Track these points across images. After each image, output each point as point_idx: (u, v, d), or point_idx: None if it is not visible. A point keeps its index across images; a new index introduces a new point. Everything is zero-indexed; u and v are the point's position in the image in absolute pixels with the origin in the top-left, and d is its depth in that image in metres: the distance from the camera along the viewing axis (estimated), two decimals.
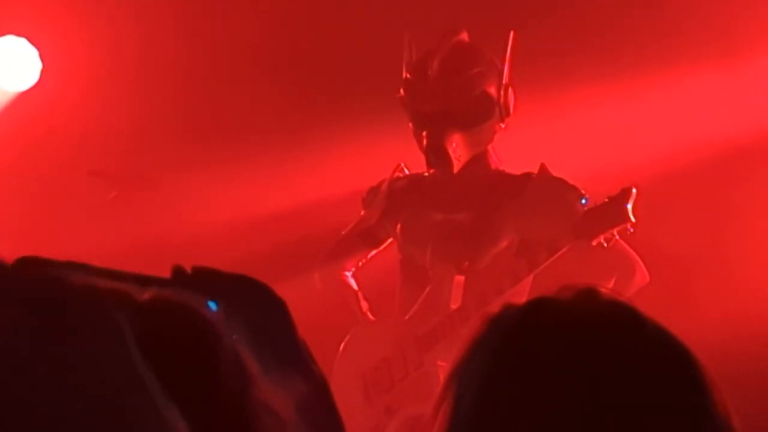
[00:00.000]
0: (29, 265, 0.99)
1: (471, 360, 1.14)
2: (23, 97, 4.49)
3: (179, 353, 0.92)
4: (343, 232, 3.73)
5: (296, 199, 4.42)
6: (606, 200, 3.36)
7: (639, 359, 1.11)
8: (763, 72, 4.17)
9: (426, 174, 3.59)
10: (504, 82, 3.50)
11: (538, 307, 1.15)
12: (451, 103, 3.44)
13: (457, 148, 3.46)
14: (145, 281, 1.02)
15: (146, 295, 0.94)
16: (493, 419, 1.11)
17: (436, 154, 3.45)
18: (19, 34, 4.42)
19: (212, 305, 1.03)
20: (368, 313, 3.61)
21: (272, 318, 1.05)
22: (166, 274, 1.06)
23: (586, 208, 3.38)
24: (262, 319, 1.04)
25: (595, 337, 1.12)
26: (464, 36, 3.56)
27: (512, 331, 1.14)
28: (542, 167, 3.49)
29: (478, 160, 3.53)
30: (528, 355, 1.12)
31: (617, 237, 3.37)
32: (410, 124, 3.53)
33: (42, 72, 4.44)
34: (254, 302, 1.05)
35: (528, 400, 1.10)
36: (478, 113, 3.48)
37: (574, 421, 1.08)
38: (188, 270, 1.04)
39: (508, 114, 3.52)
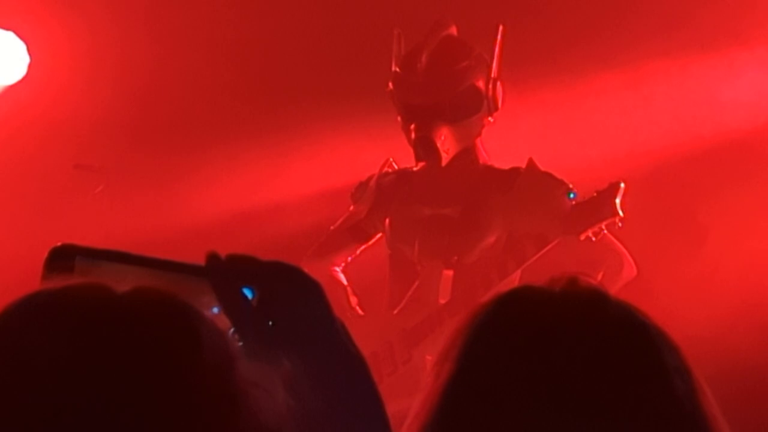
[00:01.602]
0: (64, 253, 1.00)
1: (452, 345, 1.20)
2: (11, 91, 4.47)
3: (162, 335, 0.93)
4: (332, 227, 3.73)
5: (285, 194, 4.42)
6: (594, 194, 3.37)
7: (600, 333, 1.17)
8: (749, 68, 4.18)
9: (414, 169, 3.59)
10: (492, 76, 3.50)
11: (514, 294, 1.23)
12: (439, 97, 3.44)
13: (446, 142, 3.46)
14: (179, 268, 1.02)
15: (126, 287, 0.96)
16: (467, 398, 1.16)
17: (425, 147, 3.45)
18: (6, 28, 4.40)
19: (248, 292, 1.03)
20: (357, 308, 3.61)
21: (309, 301, 1.05)
22: None
23: (574, 203, 3.38)
24: (299, 304, 1.04)
25: (558, 315, 1.18)
26: (453, 30, 3.56)
27: (488, 316, 1.21)
28: (530, 162, 3.49)
29: (467, 153, 3.53)
30: (500, 336, 1.18)
31: (605, 231, 3.38)
32: (399, 118, 3.53)
33: (30, 66, 4.42)
34: (291, 287, 1.05)
35: (500, 383, 1.15)
36: (467, 107, 3.48)
37: (541, 401, 1.13)
38: (222, 257, 1.04)
39: (496, 108, 3.52)
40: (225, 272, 1.03)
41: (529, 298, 1.21)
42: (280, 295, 1.04)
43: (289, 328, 1.03)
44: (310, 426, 0.99)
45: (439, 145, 3.44)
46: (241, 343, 1.02)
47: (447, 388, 1.17)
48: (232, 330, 1.03)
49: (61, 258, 1.01)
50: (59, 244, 1.01)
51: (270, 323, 1.03)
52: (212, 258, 1.04)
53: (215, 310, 1.03)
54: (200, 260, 1.07)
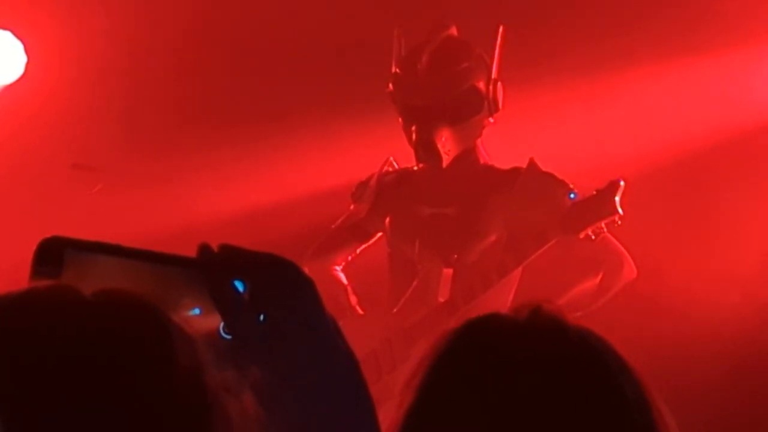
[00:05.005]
0: (54, 246, 0.98)
1: (415, 373, 1.22)
2: (8, 90, 4.46)
3: (135, 337, 0.91)
4: (332, 227, 3.73)
5: (286, 193, 4.41)
6: (594, 193, 3.36)
7: (557, 363, 1.18)
8: (748, 66, 4.18)
9: (415, 168, 3.59)
10: (493, 77, 3.50)
11: (477, 323, 1.24)
12: (440, 98, 3.44)
13: (446, 143, 3.46)
14: (171, 261, 1.01)
15: (115, 280, 0.94)
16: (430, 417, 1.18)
17: (425, 148, 3.45)
18: (4, 28, 4.39)
19: (239, 284, 1.01)
20: (357, 307, 3.61)
21: (301, 296, 1.04)
22: None
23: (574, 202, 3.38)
24: (291, 298, 1.03)
25: (517, 346, 1.20)
26: (453, 31, 3.56)
27: (450, 345, 1.23)
28: (531, 162, 3.49)
29: (467, 154, 3.53)
30: (458, 366, 1.21)
31: (605, 230, 3.37)
32: (399, 119, 3.53)
33: (27, 65, 4.42)
34: (283, 281, 1.03)
35: (455, 414, 1.17)
36: (467, 108, 3.48)
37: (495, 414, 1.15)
38: (215, 249, 1.02)
39: (497, 109, 3.52)
40: (217, 264, 1.02)
41: (491, 327, 1.22)
42: (272, 289, 1.03)
43: (280, 323, 1.02)
44: (291, 427, 0.98)
45: (439, 146, 3.44)
46: (229, 337, 1.01)
47: (406, 419, 1.18)
48: (222, 324, 1.01)
49: (50, 251, 0.99)
50: (48, 236, 1.00)
51: (261, 317, 1.02)
52: (204, 250, 1.02)
53: (196, 311, 1.02)
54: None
